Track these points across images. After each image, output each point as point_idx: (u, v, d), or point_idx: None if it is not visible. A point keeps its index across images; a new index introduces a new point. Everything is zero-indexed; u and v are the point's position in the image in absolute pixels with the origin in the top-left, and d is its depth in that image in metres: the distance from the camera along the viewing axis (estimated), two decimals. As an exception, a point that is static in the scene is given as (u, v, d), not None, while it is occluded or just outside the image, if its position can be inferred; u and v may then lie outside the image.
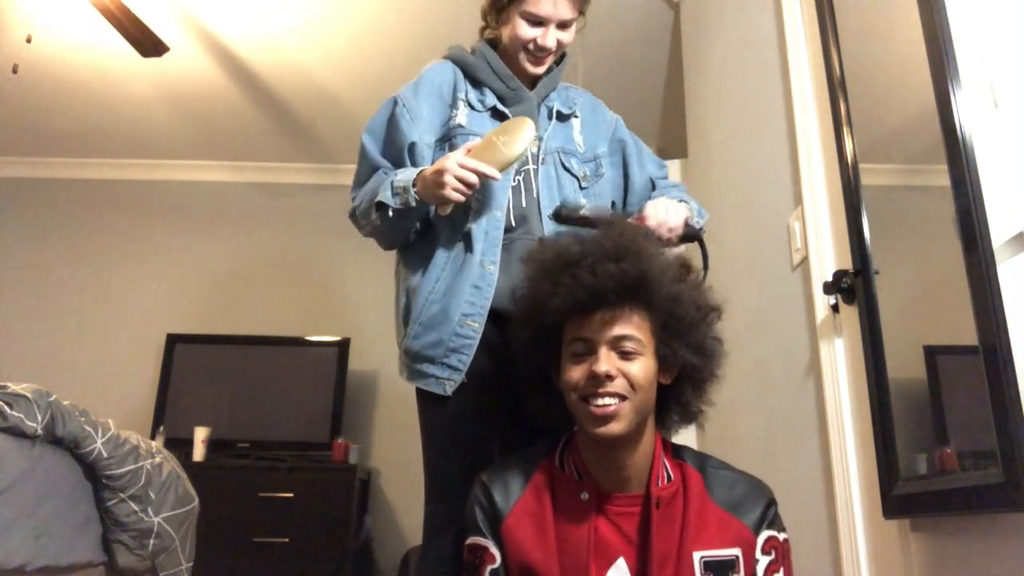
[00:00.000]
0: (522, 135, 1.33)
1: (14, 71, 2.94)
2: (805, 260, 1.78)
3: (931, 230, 1.30)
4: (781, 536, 1.07)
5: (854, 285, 1.49)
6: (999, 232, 1.10)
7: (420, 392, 1.39)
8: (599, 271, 1.05)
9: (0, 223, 4.40)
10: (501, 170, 1.32)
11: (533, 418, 1.22)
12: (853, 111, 1.54)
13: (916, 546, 1.31)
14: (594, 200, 1.51)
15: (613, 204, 1.59)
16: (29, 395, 1.72)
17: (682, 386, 1.11)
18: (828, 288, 1.58)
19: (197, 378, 3.89)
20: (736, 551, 1.03)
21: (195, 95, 3.85)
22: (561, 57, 1.58)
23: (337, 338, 4.00)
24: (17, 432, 1.68)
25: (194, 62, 3.57)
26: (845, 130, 1.54)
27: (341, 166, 4.49)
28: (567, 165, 1.51)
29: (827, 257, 1.68)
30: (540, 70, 1.51)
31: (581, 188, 1.51)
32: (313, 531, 3.34)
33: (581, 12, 1.49)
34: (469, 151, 1.33)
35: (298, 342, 4.01)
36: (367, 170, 1.49)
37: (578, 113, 1.59)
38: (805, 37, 1.85)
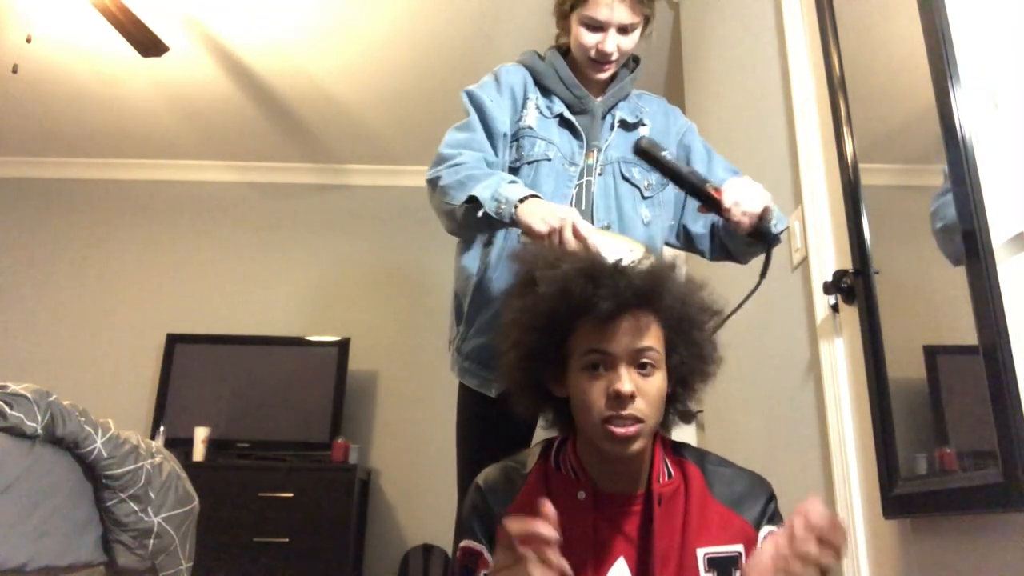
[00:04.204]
0: (623, 249, 1.24)
1: (14, 71, 2.94)
2: (805, 260, 1.78)
3: (931, 230, 1.30)
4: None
5: (854, 285, 1.49)
6: (999, 232, 1.10)
7: (466, 389, 1.45)
8: (640, 268, 1.01)
9: (0, 223, 4.40)
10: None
11: (522, 418, 1.18)
12: (853, 111, 1.54)
13: (916, 546, 1.31)
14: (657, 210, 1.50)
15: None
16: (29, 395, 1.72)
17: (680, 391, 1.09)
18: (828, 288, 1.58)
19: (197, 378, 3.89)
20: (739, 547, 1.03)
21: (195, 95, 3.85)
22: (636, 64, 1.58)
23: (337, 338, 4.00)
24: (17, 432, 1.68)
25: (194, 62, 3.57)
26: (845, 130, 1.54)
27: (341, 166, 4.49)
28: (627, 175, 1.49)
29: (827, 257, 1.68)
30: (604, 76, 1.50)
31: (644, 198, 1.49)
32: (313, 531, 3.35)
33: (647, 17, 1.48)
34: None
35: (298, 342, 4.02)
36: (468, 141, 1.44)
37: (646, 121, 1.57)
38: (805, 37, 1.85)
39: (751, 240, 1.35)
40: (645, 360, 0.98)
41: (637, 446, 0.99)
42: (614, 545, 1.03)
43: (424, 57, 3.57)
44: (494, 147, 1.46)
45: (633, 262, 1.09)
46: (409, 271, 4.30)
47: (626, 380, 0.96)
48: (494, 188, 1.29)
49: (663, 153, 1.27)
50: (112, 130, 4.17)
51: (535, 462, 1.10)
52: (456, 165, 1.39)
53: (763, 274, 1.32)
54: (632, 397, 0.96)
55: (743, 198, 1.28)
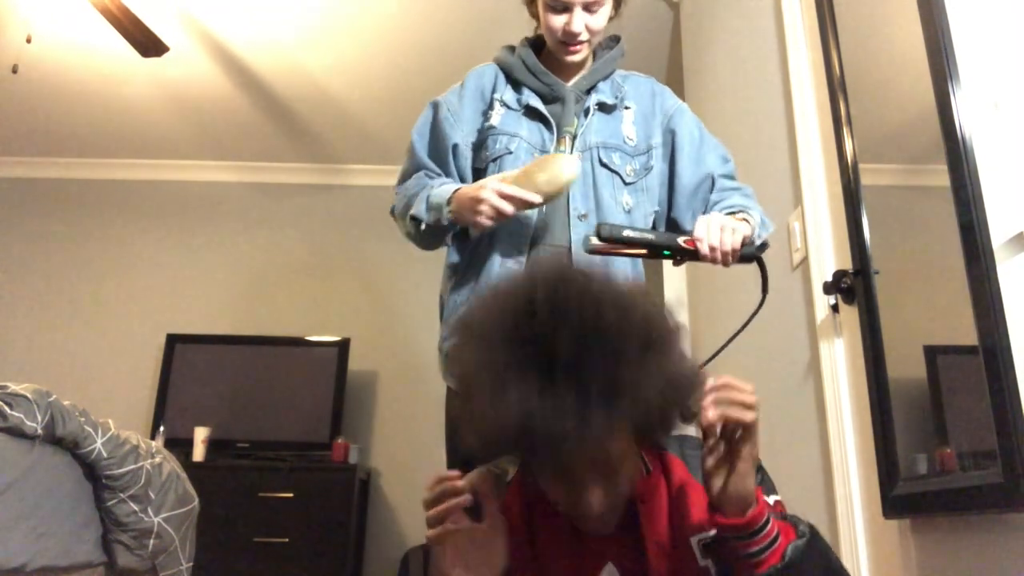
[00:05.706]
0: (560, 169, 1.27)
1: (14, 71, 2.94)
2: (805, 260, 1.78)
3: (931, 230, 1.30)
4: (771, 500, 0.96)
5: (854, 285, 1.50)
6: (999, 232, 1.10)
7: (449, 388, 1.47)
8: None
9: (0, 223, 4.40)
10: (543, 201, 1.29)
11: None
12: (853, 111, 1.54)
13: (916, 546, 1.32)
14: (640, 196, 1.45)
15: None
16: (29, 395, 1.72)
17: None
18: (828, 288, 1.58)
19: (197, 378, 3.89)
20: None
21: (195, 95, 3.85)
22: (615, 44, 1.54)
23: (337, 338, 4.00)
24: (17, 432, 1.68)
25: (194, 62, 3.57)
26: (845, 130, 1.54)
27: (341, 166, 4.49)
28: (605, 160, 1.44)
29: (827, 257, 1.68)
30: (576, 58, 1.46)
31: (626, 184, 1.44)
32: (313, 531, 3.34)
33: None
34: (505, 179, 1.30)
35: (298, 342, 4.01)
36: (412, 167, 1.51)
37: (629, 103, 1.51)
38: (805, 37, 1.85)
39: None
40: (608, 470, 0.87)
41: (610, 524, 0.92)
42: (600, 552, 0.99)
43: (424, 57, 3.56)
44: (442, 160, 1.48)
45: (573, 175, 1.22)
46: (409, 271, 4.30)
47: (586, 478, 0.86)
48: (426, 200, 1.38)
49: (625, 233, 1.23)
50: (112, 130, 4.17)
51: (516, 475, 1.04)
52: (402, 189, 1.49)
53: (764, 290, 1.30)
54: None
55: (718, 240, 1.25)
